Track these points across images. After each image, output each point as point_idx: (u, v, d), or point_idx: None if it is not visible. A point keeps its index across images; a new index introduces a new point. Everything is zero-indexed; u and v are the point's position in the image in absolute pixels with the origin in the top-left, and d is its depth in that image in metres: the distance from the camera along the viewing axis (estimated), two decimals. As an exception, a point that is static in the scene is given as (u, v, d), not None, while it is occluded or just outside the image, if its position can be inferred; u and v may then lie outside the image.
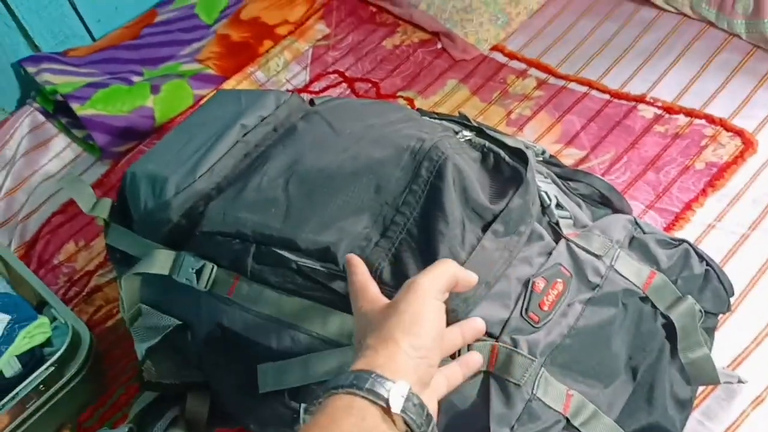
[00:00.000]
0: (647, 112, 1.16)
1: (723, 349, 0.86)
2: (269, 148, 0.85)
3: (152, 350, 0.88)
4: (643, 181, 1.08)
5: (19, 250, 1.26)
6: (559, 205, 0.77)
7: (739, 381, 0.81)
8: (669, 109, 1.15)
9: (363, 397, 0.50)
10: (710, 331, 0.80)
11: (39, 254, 1.25)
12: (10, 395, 0.92)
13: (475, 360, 0.63)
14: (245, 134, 0.89)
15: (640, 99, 1.18)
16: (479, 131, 0.81)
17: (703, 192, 1.03)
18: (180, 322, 0.86)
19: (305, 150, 0.81)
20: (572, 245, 0.73)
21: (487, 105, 1.27)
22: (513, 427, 0.64)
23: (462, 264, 0.67)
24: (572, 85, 1.25)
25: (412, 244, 0.71)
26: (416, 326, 0.55)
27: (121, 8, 1.63)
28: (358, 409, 0.50)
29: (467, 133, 0.80)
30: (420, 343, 0.54)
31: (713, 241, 0.98)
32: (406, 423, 0.51)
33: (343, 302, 0.72)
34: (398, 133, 0.77)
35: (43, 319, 1.01)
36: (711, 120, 1.12)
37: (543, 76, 1.29)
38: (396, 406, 0.50)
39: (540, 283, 0.70)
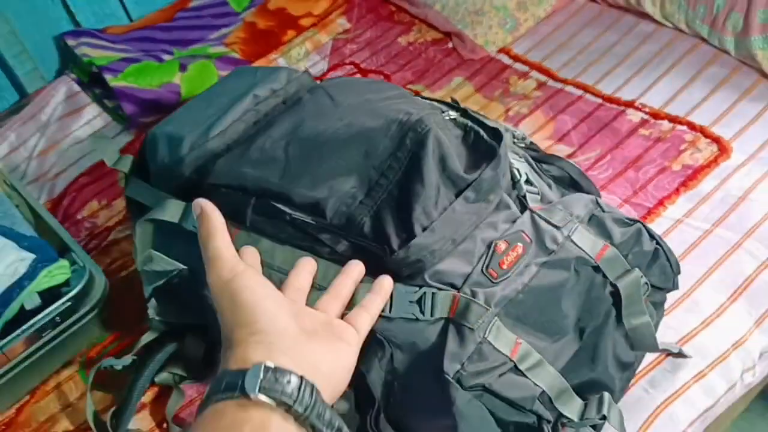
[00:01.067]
0: (635, 116, 1.25)
1: (675, 327, 0.95)
2: (275, 116, 0.95)
3: (158, 290, 0.98)
4: (623, 177, 1.16)
5: (46, 204, 1.37)
6: (528, 182, 0.86)
7: (682, 354, 0.89)
8: (655, 115, 1.23)
9: (221, 399, 0.52)
10: (658, 306, 0.89)
11: (65, 209, 1.36)
12: (29, 323, 1.02)
13: (386, 282, 0.72)
14: (257, 104, 0.98)
15: (630, 104, 1.27)
16: (464, 112, 0.90)
17: (676, 191, 1.11)
18: (184, 267, 0.96)
19: (307, 117, 0.90)
20: (535, 216, 0.82)
21: (488, 101, 1.36)
22: (463, 363, 0.73)
23: (432, 222, 0.77)
24: (569, 88, 1.33)
25: (392, 203, 0.80)
26: (252, 318, 0.60)
27: (158, -8, 1.75)
28: (219, 412, 0.51)
29: (453, 113, 0.89)
30: (262, 327, 0.59)
31: (679, 235, 1.06)
32: (276, 401, 0.52)
33: (326, 251, 0.82)
34: (390, 107, 0.86)
35: (63, 262, 1.11)
36: (692, 127, 1.19)
37: (543, 78, 1.38)
38: (250, 387, 0.51)
39: (502, 245, 0.79)
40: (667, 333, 0.93)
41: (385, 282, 0.71)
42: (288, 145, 0.88)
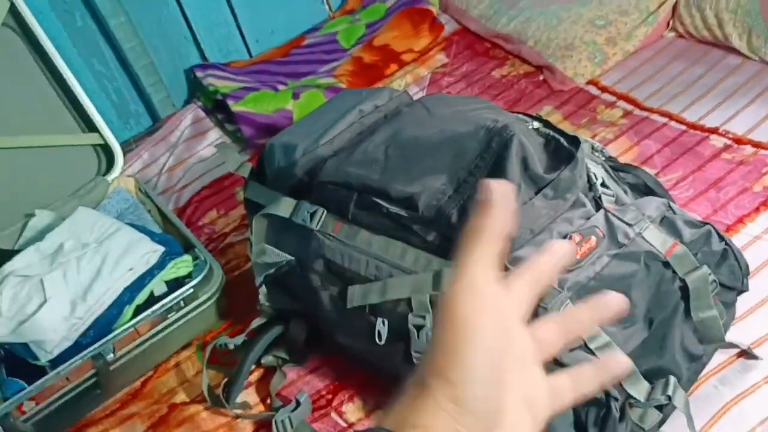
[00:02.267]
0: (718, 141, 1.30)
1: (748, 331, 0.99)
2: (377, 125, 1.08)
3: (268, 278, 1.11)
4: (704, 197, 1.21)
5: (173, 212, 1.54)
6: (604, 185, 0.94)
7: (753, 354, 0.93)
8: (738, 141, 1.29)
9: None
10: (728, 306, 0.94)
11: (188, 217, 1.53)
12: (158, 305, 1.17)
13: (620, 364, 0.44)
14: (361, 117, 1.11)
15: (713, 130, 1.32)
16: (546, 123, 0.99)
17: (756, 209, 1.16)
18: (292, 258, 1.09)
19: (405, 126, 1.03)
20: (609, 214, 0.90)
21: (575, 128, 1.44)
22: (537, 338, 0.81)
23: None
24: (654, 116, 1.40)
25: (477, 198, 0.90)
26: (453, 367, 0.37)
27: (276, 32, 1.94)
28: None
29: (536, 124, 0.99)
30: (461, 395, 0.36)
31: (757, 250, 1.10)
32: None
33: (417, 240, 0.93)
34: (479, 116, 0.97)
35: (187, 257, 1.27)
36: (775, 151, 1.24)
37: (629, 107, 1.45)
38: None
39: (576, 237, 0.87)
40: (740, 336, 0.98)
41: (619, 362, 0.44)
42: (388, 148, 1.00)
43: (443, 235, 0.91)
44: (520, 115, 1.03)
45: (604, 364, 0.43)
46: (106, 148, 1.51)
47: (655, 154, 1.32)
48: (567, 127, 1.45)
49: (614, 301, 0.43)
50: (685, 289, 0.89)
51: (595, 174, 0.94)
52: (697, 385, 0.95)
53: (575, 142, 0.93)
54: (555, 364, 0.81)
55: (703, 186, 1.23)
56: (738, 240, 1.12)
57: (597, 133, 1.41)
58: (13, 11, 1.36)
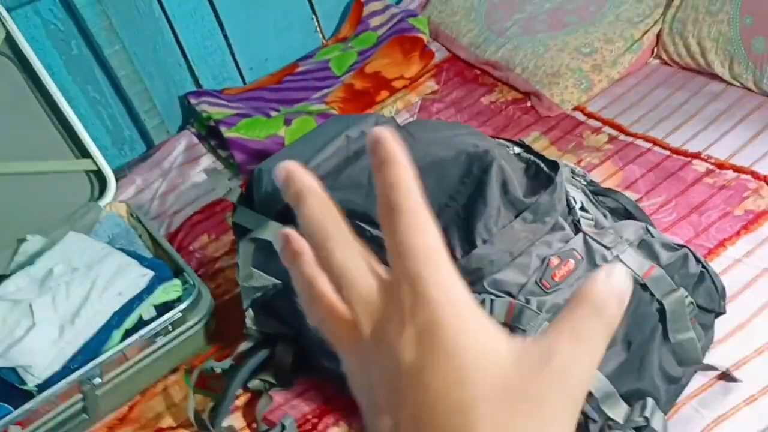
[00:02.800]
0: (700, 166, 1.32)
1: (728, 355, 1.00)
2: (363, 151, 1.09)
3: (255, 302, 1.13)
4: (687, 221, 1.23)
5: (165, 237, 1.56)
6: (583, 209, 0.96)
7: (732, 377, 0.94)
8: (720, 165, 1.30)
9: None
10: (706, 328, 0.95)
11: (180, 241, 1.54)
12: (147, 328, 1.18)
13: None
14: (348, 143, 1.13)
15: (696, 155, 1.34)
16: (527, 149, 1.01)
17: (737, 233, 1.17)
18: (279, 282, 1.10)
19: (389, 151, 1.04)
20: (588, 237, 0.92)
21: (562, 153, 1.46)
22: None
23: (492, 237, 0.87)
24: (638, 142, 1.42)
25: (458, 222, 0.92)
26: None
27: (270, 60, 1.97)
28: None
29: (517, 149, 1.01)
30: None
31: (736, 272, 1.11)
32: None
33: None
34: (461, 141, 0.99)
35: (177, 281, 1.28)
36: (756, 176, 1.26)
37: (614, 133, 1.47)
38: None
39: (555, 260, 0.89)
40: (719, 359, 0.99)
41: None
42: (371, 173, 1.01)
43: (425, 258, 0.92)
44: (502, 141, 1.05)
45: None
46: (99, 174, 1.53)
47: (639, 179, 1.34)
48: (554, 152, 1.47)
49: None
50: (662, 312, 0.90)
51: (574, 198, 0.96)
52: (678, 407, 0.96)
53: (555, 166, 0.95)
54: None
55: (686, 210, 1.25)
56: (719, 263, 1.14)
57: (583, 158, 1.43)
58: (9, 39, 1.39)
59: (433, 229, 0.30)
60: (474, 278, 0.88)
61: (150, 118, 1.80)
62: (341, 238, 0.32)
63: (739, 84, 1.46)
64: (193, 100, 1.81)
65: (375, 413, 0.29)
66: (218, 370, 1.15)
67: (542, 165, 0.96)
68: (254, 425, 1.13)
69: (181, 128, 1.86)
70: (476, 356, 0.28)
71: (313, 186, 0.32)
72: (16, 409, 1.11)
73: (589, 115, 1.55)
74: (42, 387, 1.13)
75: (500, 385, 0.27)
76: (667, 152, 1.38)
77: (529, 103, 1.63)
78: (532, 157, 0.99)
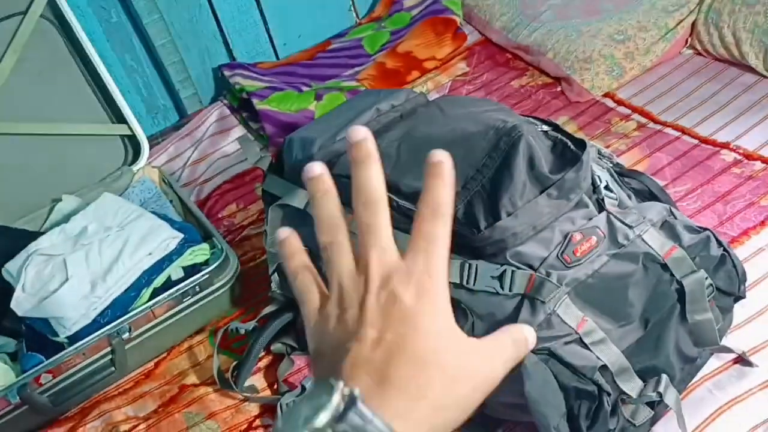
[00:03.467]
0: (728, 156, 1.32)
1: (746, 339, 1.01)
2: (393, 124, 1.11)
3: (280, 268, 1.15)
4: (711, 210, 1.23)
5: (194, 204, 1.59)
6: (608, 188, 0.97)
7: (748, 361, 0.95)
8: (749, 156, 1.30)
9: None
10: (725, 311, 0.96)
11: (209, 208, 1.57)
12: (174, 288, 1.21)
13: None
14: (378, 116, 1.15)
15: (725, 145, 1.34)
16: (555, 127, 1.03)
17: (762, 223, 1.18)
18: (305, 248, 1.12)
19: (419, 124, 1.06)
20: (611, 216, 0.93)
21: (590, 138, 1.47)
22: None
23: (516, 210, 0.89)
24: (667, 130, 1.43)
25: (484, 194, 0.93)
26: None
27: (303, 36, 1.99)
28: None
29: (545, 127, 1.02)
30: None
31: (759, 260, 1.12)
32: None
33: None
34: (489, 116, 1.01)
35: (205, 245, 1.31)
36: (785, 168, 1.26)
37: (644, 120, 1.47)
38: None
39: (577, 236, 0.90)
40: (736, 344, 1.00)
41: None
42: (400, 145, 1.03)
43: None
44: (530, 118, 1.06)
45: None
46: (134, 140, 1.57)
47: (666, 166, 1.34)
48: (581, 137, 1.47)
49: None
50: (681, 292, 0.91)
51: (599, 177, 0.97)
52: (692, 388, 0.97)
53: (582, 145, 0.96)
54: (548, 355, 0.84)
55: (711, 199, 1.25)
56: (742, 252, 1.14)
57: (610, 144, 1.44)
58: (51, 4, 1.43)
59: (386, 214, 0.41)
60: (496, 249, 0.89)
61: (184, 88, 1.84)
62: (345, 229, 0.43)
63: (772, 76, 1.45)
64: (226, 72, 1.83)
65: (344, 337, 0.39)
66: (242, 332, 1.19)
67: (569, 143, 0.98)
68: (275, 386, 1.16)
69: (214, 99, 1.90)
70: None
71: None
72: (47, 359, 1.15)
73: (619, 102, 1.55)
74: (72, 339, 1.17)
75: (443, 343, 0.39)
76: (696, 141, 1.38)
77: (559, 88, 1.64)
78: (560, 135, 1.00)
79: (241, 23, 1.88)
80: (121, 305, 1.20)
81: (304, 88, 1.77)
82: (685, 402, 0.95)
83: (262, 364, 1.21)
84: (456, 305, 0.92)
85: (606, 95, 1.58)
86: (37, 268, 1.22)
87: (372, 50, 1.90)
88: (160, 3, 1.70)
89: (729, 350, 0.97)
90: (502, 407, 0.94)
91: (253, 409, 1.14)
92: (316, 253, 1.08)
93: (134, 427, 1.15)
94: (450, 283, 0.92)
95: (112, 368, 1.20)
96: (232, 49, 1.90)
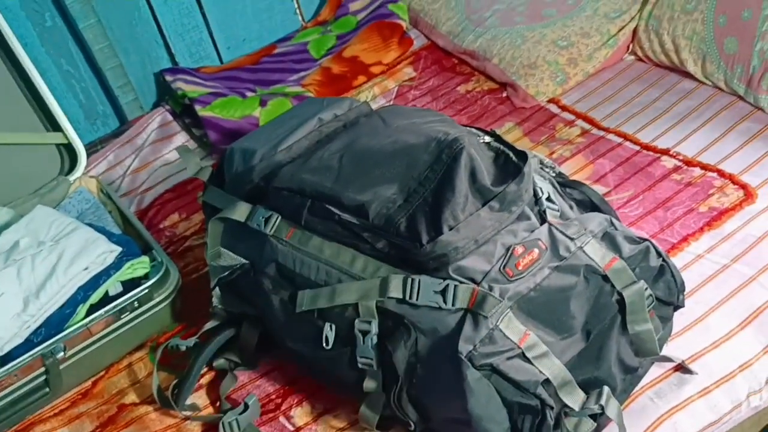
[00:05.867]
0: (669, 162, 1.34)
1: (684, 347, 1.02)
2: (335, 134, 1.10)
3: (222, 281, 1.13)
4: (652, 216, 1.25)
5: (135, 214, 1.54)
6: (549, 200, 0.97)
7: (687, 369, 0.97)
8: (688, 162, 1.33)
9: None
10: (665, 321, 0.97)
11: (150, 219, 1.53)
12: (112, 304, 1.17)
13: None
14: (320, 126, 1.13)
15: (665, 152, 1.36)
16: (497, 138, 1.02)
17: (701, 229, 1.20)
18: (246, 262, 1.10)
19: (361, 135, 1.05)
20: (552, 228, 0.93)
21: (534, 145, 1.48)
22: (476, 345, 0.83)
23: (458, 224, 0.88)
24: (610, 136, 1.44)
25: (426, 208, 0.92)
26: None
27: (248, 40, 1.96)
28: None
29: (487, 138, 1.02)
30: None
31: (699, 267, 1.14)
32: None
33: (367, 248, 0.95)
34: (432, 128, 1.00)
35: (145, 258, 1.27)
36: (722, 174, 1.28)
37: (587, 126, 1.49)
38: None
39: (519, 249, 0.90)
40: (676, 352, 1.01)
41: None
42: (342, 157, 1.02)
43: (392, 243, 0.93)
44: (473, 129, 1.06)
45: None
46: (70, 148, 1.52)
47: (608, 173, 1.36)
48: (526, 143, 1.48)
49: None
50: (622, 303, 0.91)
51: (541, 189, 0.97)
52: (634, 397, 0.98)
53: (524, 157, 0.96)
54: (491, 371, 0.84)
55: (653, 205, 1.27)
56: (681, 258, 1.16)
57: (555, 151, 1.44)
58: (-20, 8, 1.37)
59: None
60: (438, 264, 0.88)
61: (124, 93, 1.79)
62: None
63: (710, 83, 1.48)
64: (168, 77, 1.79)
65: None
66: (183, 348, 1.15)
67: (511, 155, 0.97)
68: (218, 404, 1.13)
69: (156, 105, 1.85)
70: None
71: None
72: (-23, 381, 1.10)
73: (563, 108, 1.56)
74: (4, 360, 1.12)
75: None
76: (638, 147, 1.39)
77: (504, 94, 1.64)
78: (502, 147, 0.99)
79: (182, 26, 1.84)
80: (55, 323, 1.16)
81: (249, 94, 1.74)
82: (627, 411, 0.96)
83: (204, 380, 1.17)
84: (399, 321, 0.91)
85: (551, 101, 1.59)
86: (-35, 286, 1.17)
87: (318, 55, 1.88)
88: (96, 6, 1.65)
89: (669, 360, 0.98)
90: (446, 423, 0.93)
91: (195, 428, 1.11)
92: (258, 267, 1.06)
93: (70, 449, 1.11)
94: (393, 298, 0.91)
95: (47, 389, 1.16)
96: (174, 53, 1.85)
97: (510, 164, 0.97)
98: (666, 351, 1.00)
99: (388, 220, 0.93)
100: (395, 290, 0.90)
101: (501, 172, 0.96)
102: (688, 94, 1.49)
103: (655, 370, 1.00)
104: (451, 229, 0.88)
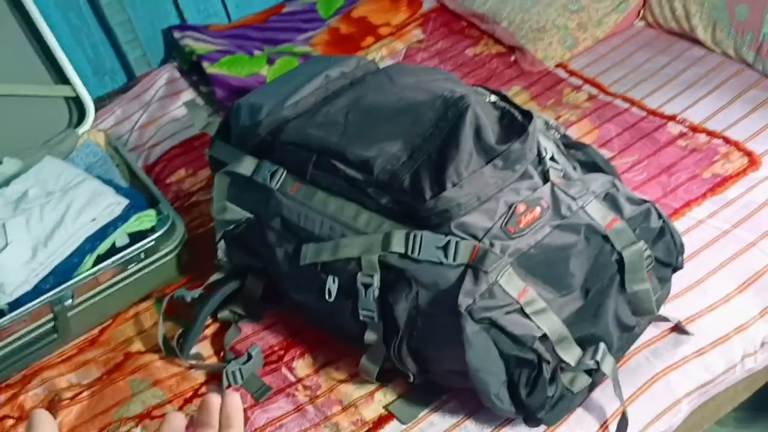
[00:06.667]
0: (675, 129, 1.34)
1: (682, 309, 1.04)
2: (342, 91, 1.10)
3: (227, 235, 1.14)
4: (656, 181, 1.25)
5: (142, 169, 1.56)
6: (553, 159, 0.98)
7: (683, 330, 0.98)
8: (694, 129, 1.33)
9: None
10: (663, 282, 0.98)
11: (156, 174, 1.54)
12: (119, 255, 1.19)
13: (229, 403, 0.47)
14: (327, 83, 1.14)
15: (671, 118, 1.36)
16: (503, 97, 1.03)
17: (704, 195, 1.20)
18: (251, 216, 1.11)
19: (367, 92, 1.05)
20: (555, 187, 0.93)
21: (541, 109, 1.48)
22: (475, 299, 0.85)
23: (461, 180, 0.89)
24: (617, 102, 1.44)
25: (430, 164, 0.93)
26: None
27: (256, -2, 1.95)
28: None
29: (493, 98, 1.02)
30: None
31: (699, 233, 1.14)
32: None
33: (371, 203, 0.96)
34: (438, 86, 1.00)
35: (151, 211, 1.28)
36: (727, 141, 1.28)
37: (594, 92, 1.49)
38: None
39: (521, 207, 0.91)
40: (673, 313, 1.02)
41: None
42: (348, 113, 1.02)
43: (396, 198, 0.94)
44: (479, 88, 1.06)
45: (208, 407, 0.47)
46: (78, 102, 1.52)
47: (614, 138, 1.36)
48: (533, 107, 1.49)
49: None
50: (621, 263, 0.92)
51: (545, 148, 0.97)
52: (630, 356, 1.00)
53: (529, 116, 0.96)
54: (490, 324, 0.86)
55: (657, 170, 1.27)
56: (683, 223, 1.17)
57: (561, 115, 1.45)
58: (-10, -41, 1.37)
59: None
60: (441, 219, 0.90)
61: (132, 49, 1.79)
62: None
63: (719, 50, 1.47)
64: (177, 34, 1.79)
65: None
66: (189, 299, 1.17)
67: (516, 114, 0.98)
68: (221, 354, 1.16)
69: (164, 62, 1.85)
70: None
71: None
72: (-14, 326, 1.12)
73: (571, 73, 1.56)
74: (13, 306, 1.14)
75: None
76: (644, 113, 1.40)
77: (513, 58, 1.64)
78: (507, 106, 1.00)
79: (191, -17, 1.83)
80: (63, 272, 1.18)
81: (256, 52, 1.74)
82: (622, 369, 0.98)
83: (208, 331, 1.20)
84: (401, 275, 0.92)
85: (558, 65, 1.58)
86: (-25, 234, 1.19)
87: (326, 15, 1.87)
88: (106, -40, 1.65)
89: (665, 319, 0.99)
90: (445, 374, 0.96)
91: (199, 376, 1.13)
92: (263, 221, 1.07)
93: (77, 394, 1.13)
94: (395, 252, 0.93)
95: (55, 335, 1.18)
96: (183, 10, 1.85)
97: (515, 123, 0.97)
98: (663, 312, 1.01)
99: (393, 175, 0.94)
100: (398, 245, 0.91)
101: (505, 131, 0.97)
102: (697, 62, 1.48)
103: (652, 330, 1.02)
104: (454, 185, 0.89)
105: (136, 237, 1.25)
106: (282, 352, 1.14)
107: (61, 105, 1.52)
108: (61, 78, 1.50)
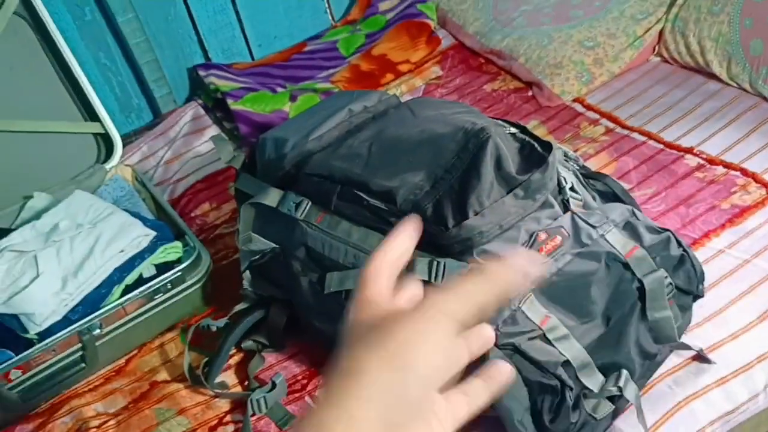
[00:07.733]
0: (692, 161, 1.36)
1: (703, 338, 1.04)
2: (365, 124, 1.13)
3: (252, 265, 1.17)
4: (674, 212, 1.26)
5: (167, 202, 1.59)
6: (573, 189, 1.00)
7: (705, 358, 0.99)
8: (711, 161, 1.34)
9: None
10: (684, 309, 0.99)
11: (182, 207, 1.58)
12: (146, 285, 1.22)
13: (502, 372, 0.44)
14: (351, 117, 1.17)
15: (688, 150, 1.38)
16: (523, 129, 1.05)
17: (722, 226, 1.21)
18: (276, 246, 1.14)
19: (390, 125, 1.08)
20: (575, 216, 0.95)
21: (559, 142, 1.50)
22: (498, 326, 0.86)
23: (483, 209, 0.91)
24: (634, 135, 1.46)
25: (452, 194, 0.95)
26: (402, 359, 0.37)
27: (279, 37, 2.00)
28: None
29: (513, 129, 1.05)
30: (399, 390, 0.37)
31: (719, 262, 1.15)
32: None
33: (395, 231, 0.98)
34: (459, 118, 1.03)
35: (178, 243, 1.32)
36: (745, 173, 1.29)
37: (611, 125, 1.51)
38: None
39: (542, 235, 0.92)
40: (696, 341, 1.03)
41: (501, 370, 0.44)
42: (372, 145, 1.05)
43: (418, 227, 0.96)
44: (499, 121, 1.09)
45: (490, 375, 0.44)
46: (107, 138, 1.57)
47: (632, 170, 1.38)
48: (551, 141, 1.50)
49: (504, 368, 0.45)
50: (642, 290, 0.94)
51: (565, 178, 1.00)
52: (652, 384, 1.00)
53: (548, 147, 0.99)
54: (513, 351, 0.87)
55: (675, 202, 1.28)
56: (702, 253, 1.17)
57: (579, 148, 1.47)
58: (25, 1, 1.42)
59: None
60: (463, 247, 0.92)
61: (158, 87, 1.84)
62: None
63: (735, 84, 1.49)
64: (201, 72, 1.84)
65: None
66: (214, 329, 1.19)
67: (536, 145, 1.00)
68: (246, 383, 1.17)
69: (188, 99, 1.90)
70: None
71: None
72: (17, 355, 1.15)
73: (588, 107, 1.58)
74: (43, 335, 1.17)
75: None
76: (661, 146, 1.41)
77: (530, 93, 1.67)
78: (527, 138, 1.02)
79: (216, 23, 1.89)
80: (92, 302, 1.21)
81: (279, 89, 1.78)
82: (645, 398, 0.98)
83: (232, 361, 1.21)
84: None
85: (575, 100, 1.61)
86: (7, 265, 1.22)
87: (347, 53, 1.92)
88: (135, 1, 1.71)
89: (687, 347, 1.00)
90: (468, 402, 0.96)
91: (224, 405, 1.14)
92: (288, 251, 1.09)
93: (104, 423, 1.15)
94: (419, 280, 0.94)
95: (83, 364, 1.20)
96: (207, 49, 1.90)
97: (535, 154, 1.00)
98: (685, 340, 1.01)
99: (415, 205, 0.96)
100: (421, 272, 0.93)
101: (526, 162, 0.99)
102: (713, 95, 1.51)
103: (674, 359, 1.02)
104: (476, 214, 0.91)
105: (162, 268, 1.27)
106: (305, 381, 1.15)
107: (90, 141, 1.57)
108: (91, 115, 1.55)
